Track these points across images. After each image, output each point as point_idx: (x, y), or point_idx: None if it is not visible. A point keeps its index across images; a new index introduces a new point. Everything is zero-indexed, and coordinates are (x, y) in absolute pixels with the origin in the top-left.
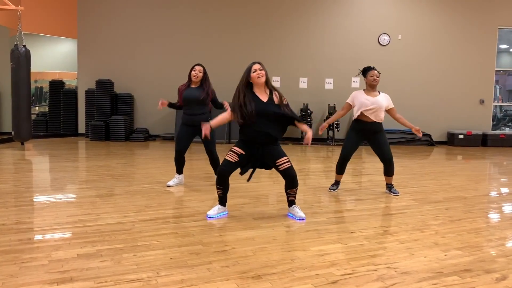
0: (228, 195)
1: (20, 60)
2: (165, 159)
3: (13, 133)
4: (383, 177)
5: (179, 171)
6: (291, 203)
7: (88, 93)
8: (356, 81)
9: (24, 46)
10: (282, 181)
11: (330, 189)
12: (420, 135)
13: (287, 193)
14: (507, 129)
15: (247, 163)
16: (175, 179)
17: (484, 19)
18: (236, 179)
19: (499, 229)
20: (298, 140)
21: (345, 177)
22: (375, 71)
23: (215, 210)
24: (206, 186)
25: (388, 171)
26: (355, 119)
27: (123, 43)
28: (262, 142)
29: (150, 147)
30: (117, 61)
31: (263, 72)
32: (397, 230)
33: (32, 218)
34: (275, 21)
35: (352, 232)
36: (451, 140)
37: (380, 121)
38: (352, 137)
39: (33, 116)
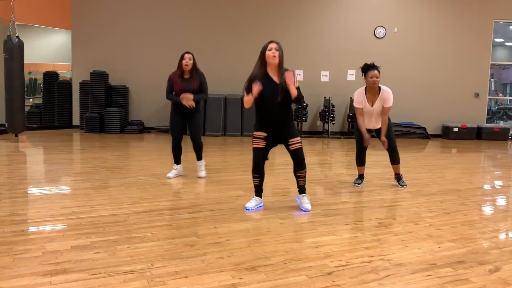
0: (224, 187)
1: (13, 51)
2: (160, 151)
3: (6, 124)
4: (378, 170)
5: (177, 161)
6: (301, 188)
7: (83, 84)
8: (352, 74)
9: (18, 37)
10: (277, 174)
11: (354, 184)
12: (385, 147)
13: (296, 176)
14: (502, 122)
15: (270, 144)
16: (174, 170)
17: (480, 12)
18: (232, 172)
19: (492, 222)
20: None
21: (340, 170)
22: (375, 72)
23: (253, 202)
24: (201, 178)
25: (393, 159)
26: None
27: (117, 34)
28: (276, 121)
29: (145, 140)
30: (112, 52)
31: (278, 53)
32: (391, 222)
33: (26, 210)
34: (270, 14)
35: (346, 224)
36: (446, 133)
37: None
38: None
39: (27, 108)
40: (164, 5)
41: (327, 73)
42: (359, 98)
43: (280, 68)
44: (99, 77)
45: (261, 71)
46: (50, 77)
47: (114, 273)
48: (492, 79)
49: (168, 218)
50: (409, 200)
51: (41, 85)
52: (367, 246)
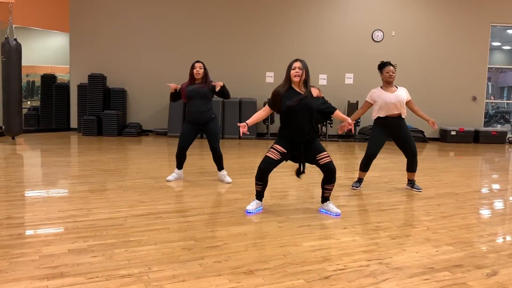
0: (222, 190)
1: (11, 54)
2: (158, 154)
3: (3, 127)
4: (376, 173)
5: (180, 166)
6: (325, 199)
7: (81, 87)
8: (350, 77)
9: (15, 39)
10: (275, 177)
11: (352, 187)
12: (435, 128)
13: (323, 188)
14: (499, 126)
15: (291, 159)
16: (175, 173)
17: (477, 16)
18: (230, 175)
19: (490, 225)
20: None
21: (337, 173)
22: (391, 67)
23: (254, 205)
24: (199, 181)
25: (412, 166)
26: (378, 117)
27: (116, 37)
28: (301, 140)
29: (143, 142)
30: (110, 55)
31: (301, 71)
32: (389, 226)
33: (23, 213)
34: (269, 16)
35: (344, 228)
36: (444, 137)
37: (404, 116)
38: (377, 132)
39: (25, 111)
40: (163, 8)
41: (325, 76)
42: (373, 95)
43: (306, 85)
44: (97, 80)
45: (286, 87)
46: (48, 79)
47: (111, 277)
48: (489, 83)
49: (166, 222)
50: (406, 204)
51: (39, 88)
52: (365, 250)
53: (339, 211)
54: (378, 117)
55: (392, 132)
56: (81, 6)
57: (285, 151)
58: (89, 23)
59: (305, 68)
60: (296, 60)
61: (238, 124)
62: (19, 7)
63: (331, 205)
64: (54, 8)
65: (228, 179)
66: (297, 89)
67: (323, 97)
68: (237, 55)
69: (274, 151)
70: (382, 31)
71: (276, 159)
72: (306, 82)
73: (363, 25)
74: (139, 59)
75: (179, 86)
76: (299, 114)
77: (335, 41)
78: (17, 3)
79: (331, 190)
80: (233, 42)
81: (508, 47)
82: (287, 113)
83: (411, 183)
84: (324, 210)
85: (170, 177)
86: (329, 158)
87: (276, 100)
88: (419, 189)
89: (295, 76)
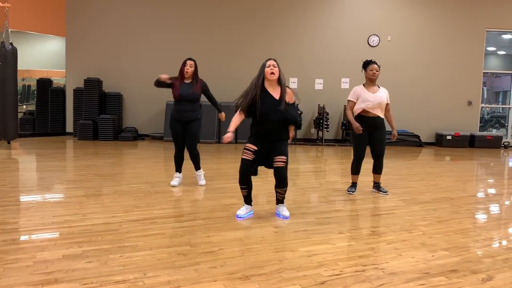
0: (218, 195)
1: (7, 58)
2: (154, 159)
3: None
4: (371, 178)
5: (179, 169)
6: (278, 201)
7: (76, 91)
8: (346, 82)
9: (11, 43)
10: (272, 181)
11: (348, 192)
12: (393, 139)
13: (276, 191)
14: (494, 130)
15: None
16: (177, 178)
17: (472, 21)
18: (226, 180)
19: (485, 230)
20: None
21: (333, 178)
22: (375, 65)
23: (244, 210)
24: (195, 186)
25: (377, 168)
26: (357, 115)
27: (112, 41)
28: (271, 139)
29: (139, 147)
30: (106, 59)
31: (276, 69)
32: (385, 231)
33: (17, 218)
34: (264, 21)
35: (340, 233)
36: (439, 141)
37: (383, 117)
38: (359, 135)
39: (20, 115)
40: (159, 13)
41: (321, 81)
42: (355, 92)
43: (280, 85)
44: (93, 84)
45: (259, 87)
46: (44, 84)
47: (106, 282)
48: (484, 88)
49: (161, 227)
50: (402, 208)
51: (35, 92)
52: (361, 255)
53: (287, 214)
54: (357, 116)
55: (370, 132)
56: (77, 11)
57: (256, 148)
58: (85, 27)
59: (278, 66)
60: (269, 59)
61: (224, 138)
62: (15, 11)
63: (281, 208)
64: (50, 12)
65: (202, 182)
66: (271, 91)
67: (293, 103)
68: (234, 60)
69: (247, 151)
70: (378, 36)
71: (250, 159)
72: (280, 81)
73: (359, 30)
74: (135, 63)
75: (169, 80)
76: (270, 119)
77: (331, 45)
78: (13, 7)
79: (283, 194)
80: (230, 47)
81: (503, 52)
82: (258, 116)
83: (376, 186)
84: (277, 212)
85: (174, 182)
86: (283, 164)
87: (249, 104)
88: (385, 192)
89: (270, 73)
